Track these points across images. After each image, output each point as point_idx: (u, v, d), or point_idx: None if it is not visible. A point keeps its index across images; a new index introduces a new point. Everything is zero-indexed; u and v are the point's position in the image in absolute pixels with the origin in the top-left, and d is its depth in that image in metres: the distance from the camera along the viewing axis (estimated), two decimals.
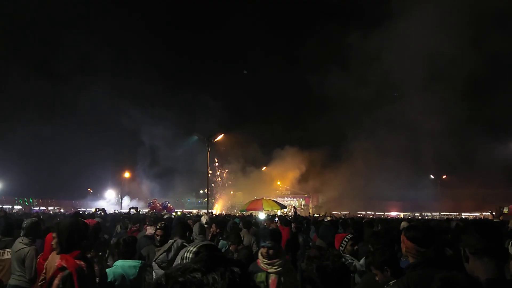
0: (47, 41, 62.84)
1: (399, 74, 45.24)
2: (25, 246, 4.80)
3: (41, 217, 10.95)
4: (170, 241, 4.82)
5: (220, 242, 6.62)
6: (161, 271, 4.52)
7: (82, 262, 3.08)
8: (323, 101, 53.26)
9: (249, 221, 8.48)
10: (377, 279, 3.12)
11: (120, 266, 3.76)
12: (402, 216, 36.70)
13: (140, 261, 4.07)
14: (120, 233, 8.55)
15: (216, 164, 54.54)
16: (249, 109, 60.56)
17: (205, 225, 6.82)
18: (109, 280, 3.61)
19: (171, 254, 4.58)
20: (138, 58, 72.59)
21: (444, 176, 48.79)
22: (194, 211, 38.49)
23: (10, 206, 32.43)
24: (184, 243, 4.79)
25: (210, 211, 31.14)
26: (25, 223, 5.10)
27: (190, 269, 0.84)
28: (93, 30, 68.67)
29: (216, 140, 28.57)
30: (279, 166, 48.20)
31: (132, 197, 51.87)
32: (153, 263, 4.66)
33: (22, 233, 4.98)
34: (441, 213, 41.96)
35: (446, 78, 44.03)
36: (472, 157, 44.39)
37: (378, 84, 47.34)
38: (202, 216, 11.64)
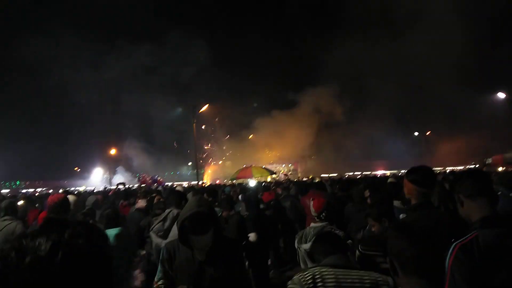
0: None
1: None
2: (10, 221, 4.80)
3: (32, 198, 10.94)
4: (166, 211, 4.93)
5: None
6: (159, 240, 4.67)
7: None
8: (309, 61, 52.78)
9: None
10: (373, 230, 3.24)
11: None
12: (389, 174, 37.49)
13: (118, 228, 4.48)
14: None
15: (205, 134, 54.60)
16: (235, 76, 59.83)
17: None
18: None
19: (166, 224, 4.72)
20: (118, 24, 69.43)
21: (428, 133, 49.67)
22: (184, 183, 38.68)
23: None
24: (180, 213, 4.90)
25: (202, 181, 31.38)
26: (2, 204, 5.10)
27: (22, 235, 0.87)
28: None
29: (201, 111, 28.40)
30: (266, 133, 48.21)
31: (123, 173, 51.60)
32: (151, 232, 4.80)
33: (1, 214, 4.97)
34: None
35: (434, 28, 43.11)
36: (456, 112, 45.16)
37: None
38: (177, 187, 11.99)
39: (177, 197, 5.25)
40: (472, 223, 1.98)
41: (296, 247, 3.99)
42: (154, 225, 4.87)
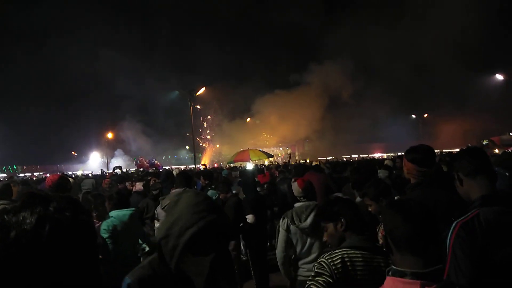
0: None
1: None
2: (5, 205, 4.68)
3: (29, 182, 10.96)
4: (176, 191, 4.90)
5: (209, 192, 6.72)
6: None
7: None
8: (308, 40, 52.29)
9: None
10: (370, 210, 3.20)
11: (115, 215, 4.22)
12: (386, 157, 37.60)
13: (132, 208, 4.49)
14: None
15: (204, 119, 54.42)
16: (233, 59, 59.57)
17: None
18: (109, 229, 4.05)
19: None
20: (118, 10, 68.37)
21: (426, 115, 49.65)
22: (182, 167, 38.68)
23: None
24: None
25: (203, 164, 31.39)
26: None
27: (3, 211, 0.83)
28: None
29: (198, 93, 28.16)
30: (266, 114, 47.86)
31: (122, 156, 51.41)
32: (160, 210, 4.60)
33: None
34: None
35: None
36: (453, 94, 45.13)
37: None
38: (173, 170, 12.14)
39: (185, 177, 5.19)
40: (472, 202, 1.95)
41: (283, 228, 3.65)
42: (164, 205, 4.62)
